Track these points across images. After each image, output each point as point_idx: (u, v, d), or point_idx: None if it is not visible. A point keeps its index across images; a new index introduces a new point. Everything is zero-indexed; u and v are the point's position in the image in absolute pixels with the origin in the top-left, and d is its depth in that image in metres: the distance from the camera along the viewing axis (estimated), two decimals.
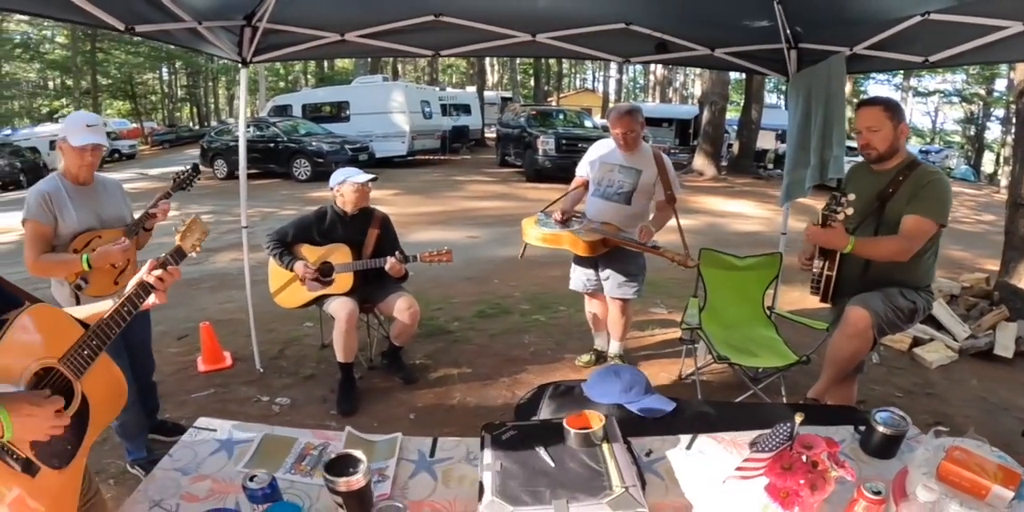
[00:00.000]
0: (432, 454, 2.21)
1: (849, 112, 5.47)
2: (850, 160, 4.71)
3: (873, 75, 36.74)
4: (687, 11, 4.74)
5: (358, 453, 1.80)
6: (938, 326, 5.98)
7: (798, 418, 1.83)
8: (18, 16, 38.13)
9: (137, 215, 3.82)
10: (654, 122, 23.70)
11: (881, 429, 2.13)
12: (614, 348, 5.20)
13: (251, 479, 1.79)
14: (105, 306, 2.06)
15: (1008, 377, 5.38)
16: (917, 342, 5.81)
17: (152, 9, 3.88)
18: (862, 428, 2.24)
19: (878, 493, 1.73)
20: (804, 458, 1.81)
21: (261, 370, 5.27)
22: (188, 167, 4.08)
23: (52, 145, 26.40)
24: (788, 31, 4.81)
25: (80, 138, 3.38)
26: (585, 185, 5.03)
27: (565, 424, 2.07)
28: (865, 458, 2.16)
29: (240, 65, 4.94)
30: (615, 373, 2.79)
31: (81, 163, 3.47)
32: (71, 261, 3.39)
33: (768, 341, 4.63)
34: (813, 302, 6.34)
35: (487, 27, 4.97)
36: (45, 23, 40.51)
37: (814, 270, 3.67)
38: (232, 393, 4.89)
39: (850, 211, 3.27)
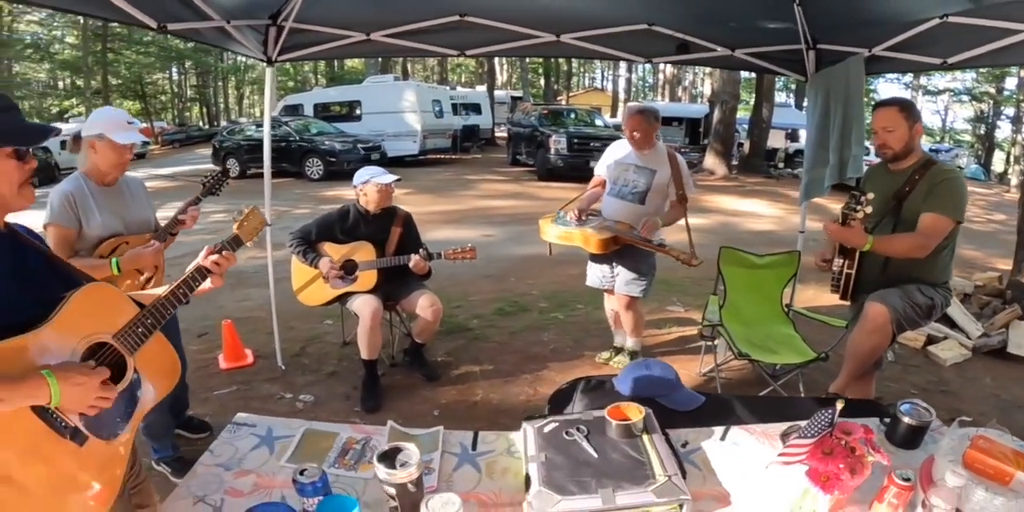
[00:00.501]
0: (474, 447, 2.25)
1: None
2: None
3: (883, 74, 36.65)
4: (708, 12, 4.77)
5: (410, 446, 1.83)
6: (952, 324, 5.99)
7: (839, 405, 1.88)
8: (28, 16, 38.30)
9: (158, 215, 3.80)
10: (664, 121, 23.59)
11: (907, 420, 2.20)
12: (630, 345, 5.23)
13: (301, 473, 1.82)
14: (160, 291, 2.14)
15: (1021, 375, 5.39)
16: (931, 340, 5.83)
17: (183, 8, 3.91)
18: (887, 420, 2.29)
19: (907, 479, 1.78)
20: (844, 443, 1.86)
21: (283, 367, 5.29)
22: (217, 171, 4.03)
23: (63, 145, 26.50)
24: (807, 32, 4.83)
25: (125, 136, 3.31)
26: (603, 184, 5.06)
27: (607, 415, 2.11)
28: (891, 449, 2.21)
29: (265, 64, 4.98)
30: (646, 368, 2.83)
31: (119, 161, 3.39)
32: (100, 266, 3.23)
33: (787, 338, 4.67)
34: (828, 300, 6.34)
35: (512, 27, 5.00)
36: (55, 23, 40.69)
37: (834, 268, 3.72)
38: (255, 390, 4.92)
39: (869, 210, 3.32)
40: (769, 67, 5.44)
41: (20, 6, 34.68)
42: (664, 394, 2.72)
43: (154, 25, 3.74)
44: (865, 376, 3.79)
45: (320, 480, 1.81)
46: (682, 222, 4.76)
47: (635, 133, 4.66)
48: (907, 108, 3.54)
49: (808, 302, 6.19)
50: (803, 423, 2.00)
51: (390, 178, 4.78)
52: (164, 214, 3.74)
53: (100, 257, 3.32)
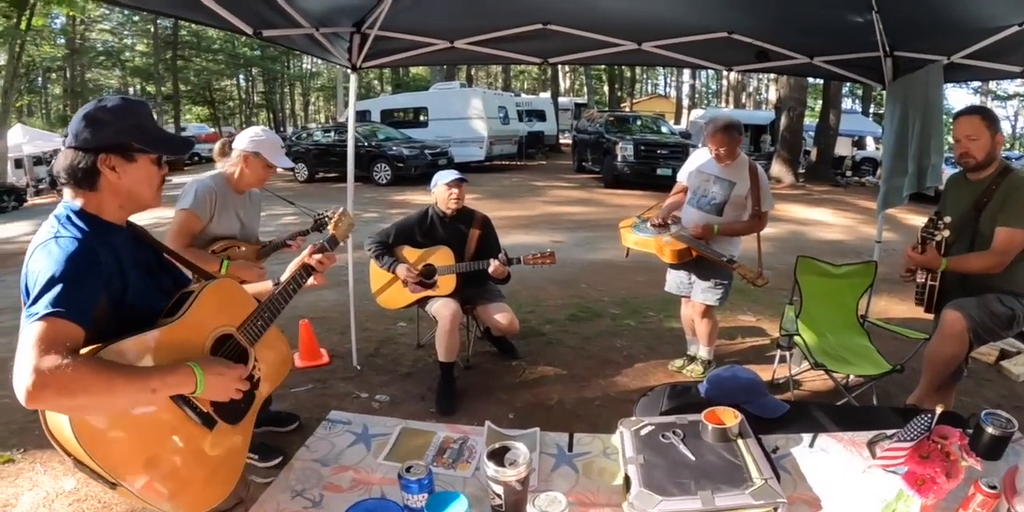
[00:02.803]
0: (571, 448, 2.28)
1: None
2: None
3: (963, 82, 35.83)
4: (787, 19, 4.73)
5: (519, 445, 1.87)
6: None
7: (939, 408, 1.88)
8: (100, 25, 39.45)
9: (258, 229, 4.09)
10: None
11: (990, 430, 2.19)
12: (703, 354, 5.20)
13: (408, 470, 1.85)
14: (267, 285, 2.41)
15: None
16: (1004, 355, 5.69)
17: (276, 16, 4.03)
18: (969, 430, 2.27)
19: (994, 487, 1.78)
20: (940, 447, 1.86)
21: (358, 367, 5.34)
22: (337, 208, 4.17)
23: None
24: (884, 39, 4.77)
25: (280, 159, 3.72)
26: (685, 191, 5.05)
27: (703, 419, 2.13)
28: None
29: (349, 70, 5.09)
30: (733, 374, 2.83)
31: (265, 177, 3.79)
32: (211, 261, 3.50)
33: (862, 349, 4.61)
34: (902, 311, 6.23)
35: (594, 35, 5.02)
36: (126, 32, 41.85)
37: (918, 281, 3.70)
38: (331, 389, 4.99)
39: (947, 234, 3.37)
40: (847, 75, 5.40)
41: (91, 16, 35.88)
42: (750, 401, 2.72)
43: (250, 31, 3.88)
44: (944, 389, 3.73)
45: (427, 477, 1.84)
46: (754, 241, 4.74)
47: (720, 149, 4.62)
48: (989, 117, 3.52)
49: (882, 313, 6.10)
50: (890, 432, 2.02)
51: (452, 176, 4.86)
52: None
53: (212, 252, 3.61)
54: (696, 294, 4.92)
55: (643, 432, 2.16)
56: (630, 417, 2.29)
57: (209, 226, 3.61)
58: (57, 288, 1.65)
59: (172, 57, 37.53)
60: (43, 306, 1.62)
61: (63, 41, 36.91)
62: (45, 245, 1.75)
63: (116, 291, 1.83)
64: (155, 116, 2.03)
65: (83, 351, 1.65)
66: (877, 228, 5.57)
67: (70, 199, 1.90)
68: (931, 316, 3.86)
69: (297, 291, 2.39)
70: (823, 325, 4.83)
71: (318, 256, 2.46)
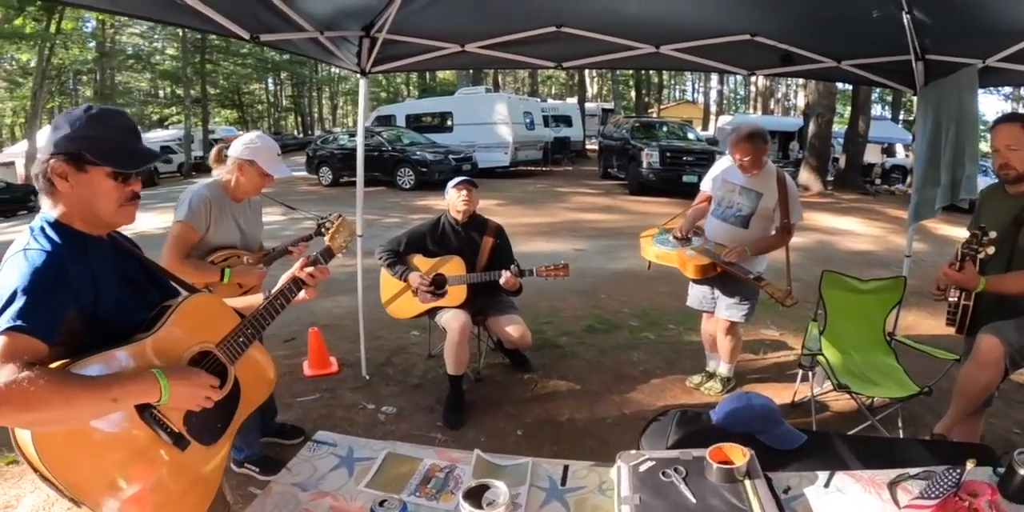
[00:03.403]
0: (563, 482, 2.12)
1: None
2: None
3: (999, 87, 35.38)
4: (813, 21, 4.55)
5: (498, 483, 1.74)
6: None
7: (969, 465, 1.72)
8: (131, 29, 40.06)
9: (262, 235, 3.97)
10: None
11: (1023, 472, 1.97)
12: (723, 370, 5.05)
13: (381, 504, 1.74)
14: (253, 300, 2.26)
15: None
16: None
17: (276, 19, 3.93)
18: (1000, 470, 2.07)
19: None
20: (968, 505, 1.70)
21: (367, 377, 5.27)
22: (335, 215, 4.14)
23: (163, 150, 27.55)
24: (916, 42, 4.57)
25: (278, 169, 3.57)
26: (708, 201, 4.88)
27: (707, 457, 1.97)
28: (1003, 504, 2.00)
29: (359, 75, 4.99)
30: (747, 402, 2.66)
31: (261, 186, 3.63)
32: (210, 271, 3.45)
33: (888, 369, 4.41)
34: (929, 327, 6.02)
35: (610, 38, 4.88)
36: (156, 36, 42.47)
37: (950, 300, 3.47)
38: (338, 399, 4.91)
39: (991, 250, 3.15)
40: (876, 79, 5.18)
41: (121, 20, 36.29)
42: (764, 431, 2.56)
43: (247, 36, 3.79)
44: (973, 414, 3.52)
45: None
46: (781, 253, 4.57)
47: (744, 159, 4.45)
48: None
49: (910, 329, 5.89)
50: (913, 471, 1.87)
51: (460, 178, 4.82)
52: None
53: (211, 263, 3.51)
54: (720, 310, 4.76)
55: (642, 468, 2.00)
56: (630, 450, 2.13)
57: (207, 236, 3.50)
58: (20, 302, 1.60)
59: (201, 61, 37.86)
60: (6, 320, 1.57)
61: (93, 44, 37.36)
62: (14, 257, 1.71)
63: (87, 305, 1.76)
64: (133, 128, 1.87)
65: (52, 366, 1.60)
66: (907, 241, 5.36)
67: (48, 209, 1.83)
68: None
69: (285, 306, 2.27)
70: (848, 343, 4.64)
71: (309, 269, 2.34)
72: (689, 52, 5.01)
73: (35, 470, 1.62)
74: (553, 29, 4.73)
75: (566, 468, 2.18)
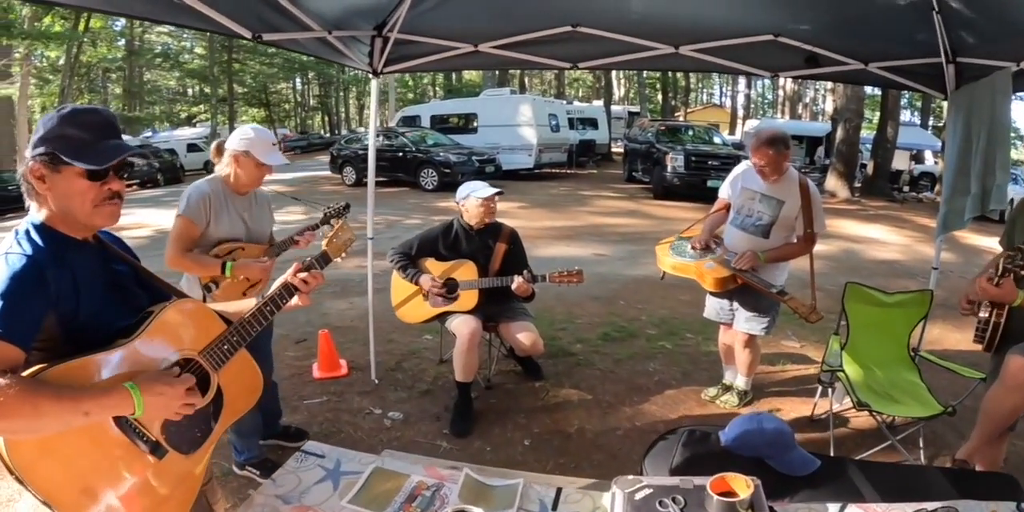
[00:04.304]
0: (555, 506, 2.02)
1: None
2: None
3: None
4: (839, 21, 4.40)
5: (476, 510, 1.63)
6: None
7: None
8: (159, 28, 40.64)
9: (276, 229, 4.00)
10: None
11: None
12: (740, 383, 4.91)
13: None
14: (248, 304, 2.19)
15: None
16: None
17: (281, 18, 3.87)
18: None
19: None
20: None
21: (376, 381, 5.22)
22: (341, 204, 4.13)
23: (189, 148, 27.88)
24: (947, 43, 4.40)
25: (271, 157, 3.54)
26: (726, 208, 4.73)
27: (708, 488, 1.84)
28: None
29: (371, 75, 4.92)
30: (758, 424, 2.53)
31: (259, 176, 3.60)
32: (213, 265, 3.44)
33: (911, 387, 4.26)
34: (953, 342, 5.85)
35: (627, 38, 4.76)
36: (184, 35, 43.24)
37: (981, 315, 3.31)
38: (345, 403, 4.86)
39: None
40: (905, 82, 5.00)
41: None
42: (774, 455, 2.44)
43: (248, 35, 3.74)
44: (997, 438, 3.36)
45: None
46: (803, 261, 4.45)
47: (765, 167, 4.30)
48: None
49: (934, 343, 5.72)
50: (930, 506, 1.82)
51: (490, 191, 4.64)
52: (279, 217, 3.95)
53: (215, 256, 3.50)
54: (739, 323, 4.63)
55: (638, 496, 1.88)
56: (627, 475, 2.01)
57: (208, 230, 3.50)
58: None
59: (228, 60, 38.29)
60: None
61: (122, 42, 37.82)
62: None
63: (67, 311, 1.72)
64: (111, 125, 1.82)
65: (26, 372, 1.57)
66: (935, 253, 5.19)
67: (34, 212, 1.81)
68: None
69: (275, 312, 2.18)
70: (870, 358, 4.49)
71: (302, 275, 2.24)
72: (709, 53, 4.88)
73: (10, 472, 1.56)
74: (568, 29, 4.63)
75: (559, 491, 2.08)
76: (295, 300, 2.25)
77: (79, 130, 1.75)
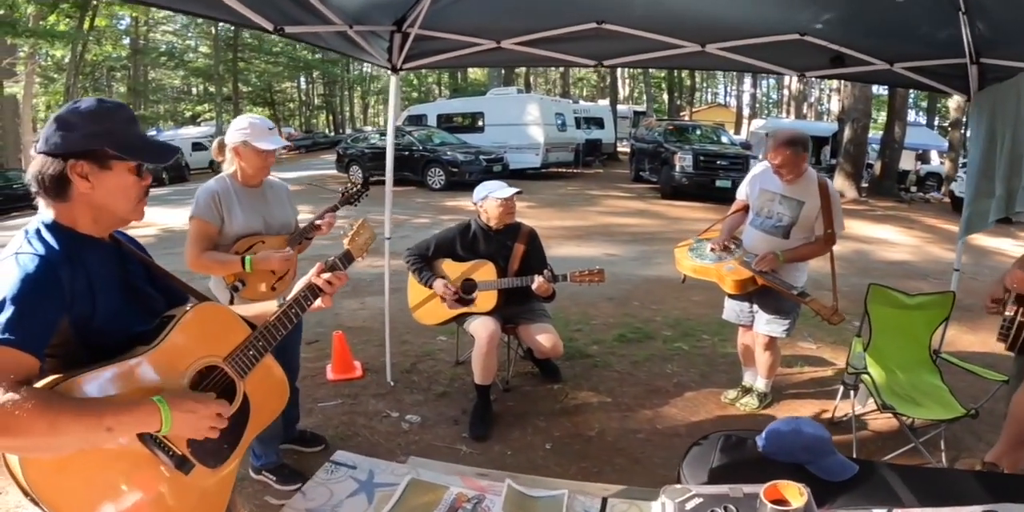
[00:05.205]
0: None
1: None
2: None
3: None
4: (865, 21, 4.33)
5: None
6: None
7: None
8: (164, 27, 40.62)
9: (300, 219, 3.93)
10: None
11: None
12: (760, 385, 4.84)
13: None
14: (270, 306, 2.13)
15: None
16: None
17: (303, 11, 3.81)
18: None
19: None
20: None
21: (392, 383, 5.15)
22: (359, 183, 4.11)
23: (194, 146, 27.87)
24: (971, 44, 4.32)
25: (267, 142, 3.45)
26: (745, 209, 4.68)
27: (762, 496, 1.78)
28: None
29: (389, 72, 4.86)
30: (796, 427, 2.48)
31: (263, 165, 3.53)
32: (232, 262, 3.39)
33: (933, 389, 4.22)
34: (970, 343, 5.79)
35: (653, 36, 4.69)
36: (189, 33, 43.16)
37: (1005, 315, 3.26)
38: (361, 406, 4.79)
39: None
40: (929, 83, 4.92)
41: (155, 18, 36.69)
42: (813, 461, 2.38)
43: (270, 27, 3.67)
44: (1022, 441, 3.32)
45: None
46: (821, 263, 4.37)
47: (783, 169, 4.24)
48: None
49: (950, 344, 5.62)
50: (974, 510, 1.80)
51: (510, 192, 4.58)
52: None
53: (235, 253, 3.44)
54: (760, 325, 4.56)
55: (689, 505, 1.83)
56: (675, 484, 1.96)
57: (224, 228, 3.45)
58: (8, 312, 1.47)
59: (233, 59, 38.32)
60: None
61: (127, 41, 37.87)
62: (4, 263, 1.58)
63: (83, 315, 1.63)
64: (136, 120, 1.79)
65: (40, 383, 1.47)
66: (956, 254, 5.12)
67: (44, 210, 1.71)
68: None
69: (300, 315, 2.09)
70: (893, 361, 4.45)
71: (326, 276, 2.14)
72: (736, 51, 4.82)
73: (21, 489, 1.47)
74: (593, 26, 4.56)
75: (604, 501, 2.01)
76: (318, 302, 2.17)
77: (123, 124, 1.71)
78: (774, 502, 1.78)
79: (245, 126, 3.47)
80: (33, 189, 1.68)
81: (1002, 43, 4.19)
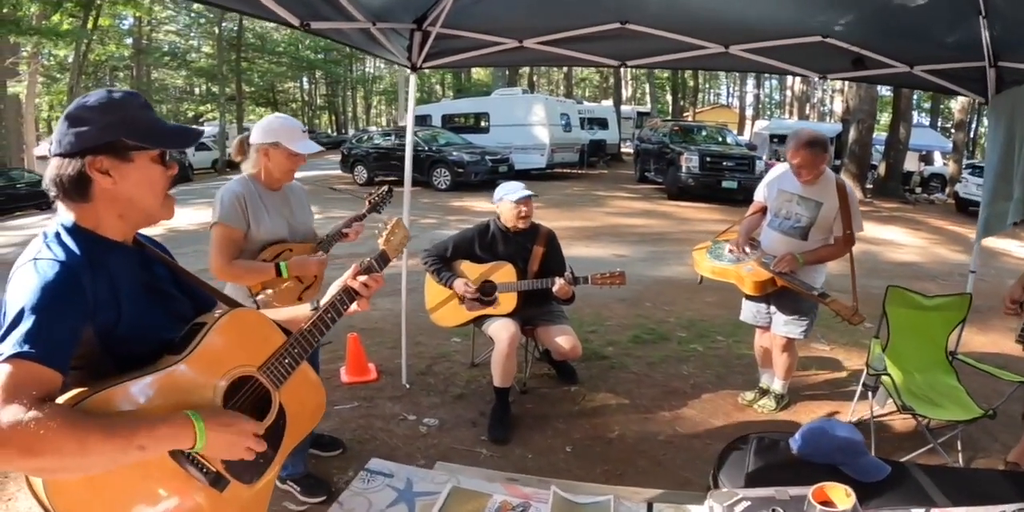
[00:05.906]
0: None
1: None
2: None
3: None
4: (886, 23, 4.31)
5: None
6: None
7: None
8: (167, 27, 40.61)
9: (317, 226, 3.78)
10: None
11: None
12: (777, 387, 4.82)
13: None
14: (302, 310, 2.05)
15: None
16: None
17: (327, 7, 3.78)
18: None
19: None
20: None
21: (408, 386, 5.11)
22: (384, 188, 4.00)
23: (197, 146, 27.80)
24: (990, 47, 4.31)
25: (303, 145, 3.33)
26: (762, 210, 4.66)
27: (811, 497, 1.77)
28: None
29: (409, 70, 4.86)
30: (829, 430, 2.47)
31: (291, 168, 3.40)
32: (264, 269, 3.25)
33: (950, 390, 4.23)
34: (981, 344, 5.77)
35: (677, 37, 4.68)
36: (192, 33, 43.15)
37: None
38: (377, 408, 4.75)
39: None
40: (949, 86, 4.92)
41: (158, 18, 36.71)
42: (847, 462, 2.37)
43: (296, 22, 3.64)
44: None
45: None
46: (840, 264, 4.39)
47: (802, 169, 4.22)
48: None
49: (962, 346, 5.63)
50: (1009, 508, 1.81)
51: (522, 194, 4.55)
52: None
53: (264, 262, 3.29)
54: (778, 326, 4.54)
55: (737, 509, 1.81)
56: (721, 489, 1.95)
57: (250, 233, 3.27)
58: (28, 323, 1.38)
59: (236, 59, 38.20)
60: (10, 345, 1.35)
61: (130, 41, 37.86)
62: (23, 269, 1.49)
63: (107, 323, 1.54)
64: (151, 106, 1.68)
65: (64, 397, 1.39)
66: (972, 256, 5.13)
67: (63, 213, 1.61)
68: None
69: (336, 321, 1.98)
70: (910, 362, 4.46)
71: (363, 278, 2.03)
72: (759, 53, 4.81)
73: (44, 509, 1.39)
74: (617, 26, 4.54)
75: (650, 506, 1.99)
76: (354, 305, 2.05)
77: (138, 112, 1.61)
78: (822, 504, 1.76)
79: (276, 125, 3.33)
80: (52, 194, 1.59)
81: (1021, 46, 4.18)
